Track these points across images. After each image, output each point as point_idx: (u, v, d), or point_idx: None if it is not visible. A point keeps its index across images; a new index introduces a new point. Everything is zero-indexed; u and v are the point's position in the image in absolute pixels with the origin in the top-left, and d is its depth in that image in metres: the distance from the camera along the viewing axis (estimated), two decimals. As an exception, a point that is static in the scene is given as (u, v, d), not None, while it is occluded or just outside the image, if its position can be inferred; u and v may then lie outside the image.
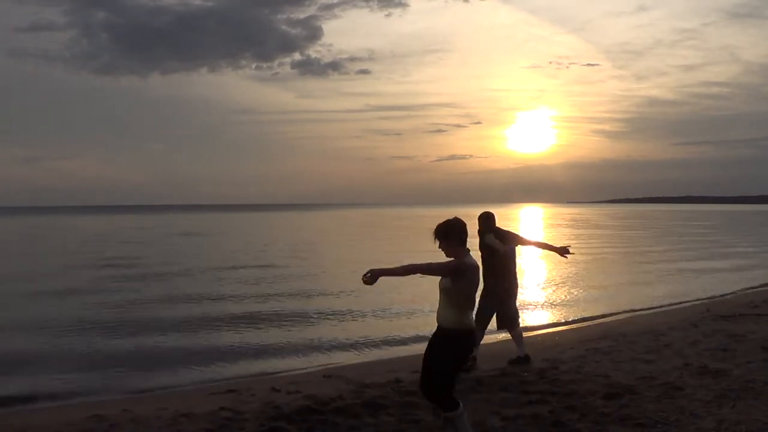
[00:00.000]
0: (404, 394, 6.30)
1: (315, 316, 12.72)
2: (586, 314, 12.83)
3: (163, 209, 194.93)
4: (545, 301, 14.61)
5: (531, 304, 13.91)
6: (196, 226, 62.70)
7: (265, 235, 48.21)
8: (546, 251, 8.15)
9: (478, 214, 7.78)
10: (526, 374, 7.07)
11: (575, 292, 15.96)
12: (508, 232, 7.90)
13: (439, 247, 4.60)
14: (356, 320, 12.17)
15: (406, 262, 4.53)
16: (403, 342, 10.31)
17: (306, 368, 8.73)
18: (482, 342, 8.06)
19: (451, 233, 4.55)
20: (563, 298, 15.14)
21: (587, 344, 8.81)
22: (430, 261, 4.53)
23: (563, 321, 12.31)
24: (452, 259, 4.54)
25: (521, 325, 8.16)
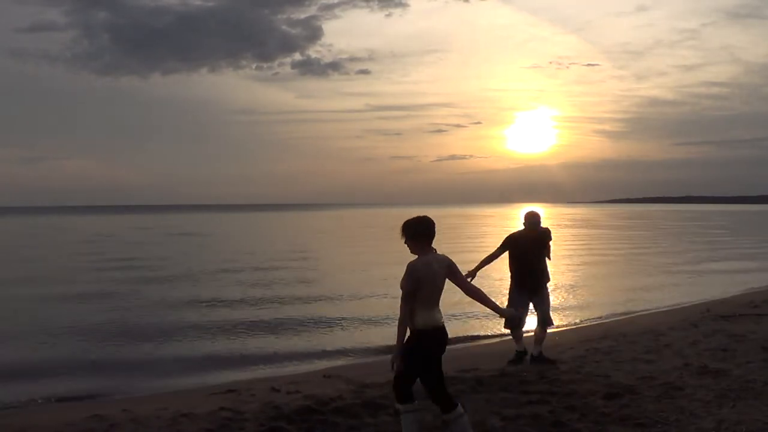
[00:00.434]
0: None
1: (315, 316, 12.71)
2: (586, 314, 12.84)
3: (163, 209, 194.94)
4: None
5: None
6: (197, 227, 62.73)
7: (266, 236, 48.25)
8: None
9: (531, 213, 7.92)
10: (526, 374, 7.06)
11: (575, 293, 15.95)
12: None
13: (405, 243, 4.59)
14: (356, 320, 12.17)
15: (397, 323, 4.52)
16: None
17: (306, 368, 8.73)
18: (482, 342, 8.08)
19: (415, 231, 4.55)
20: (563, 298, 15.14)
21: (587, 344, 8.82)
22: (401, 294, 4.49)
23: (563, 321, 12.31)
24: (414, 258, 4.53)
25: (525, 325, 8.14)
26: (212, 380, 8.21)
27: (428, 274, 4.47)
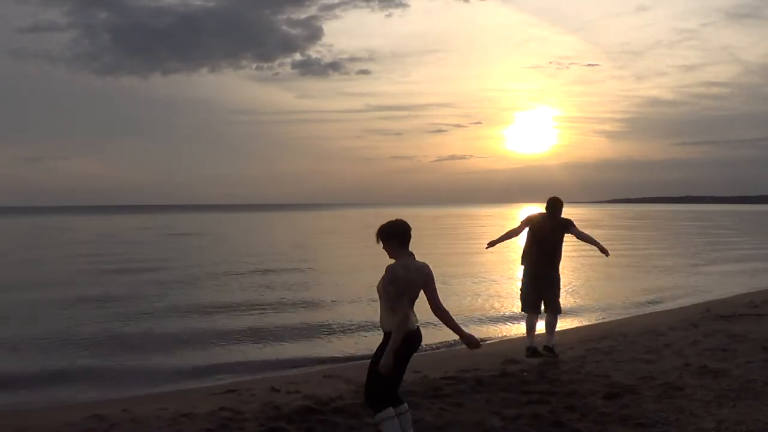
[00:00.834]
0: (404, 394, 6.28)
1: (315, 316, 12.72)
2: (586, 314, 12.84)
3: (163, 209, 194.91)
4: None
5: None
6: (197, 227, 62.70)
7: (266, 237, 48.24)
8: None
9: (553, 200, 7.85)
10: (526, 374, 7.07)
11: (575, 292, 15.94)
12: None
13: (383, 248, 4.59)
14: (356, 321, 12.16)
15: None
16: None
17: (306, 368, 8.73)
18: (483, 342, 8.07)
19: (392, 234, 4.54)
20: (563, 298, 15.11)
21: (587, 344, 8.82)
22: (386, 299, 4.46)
23: (564, 321, 12.30)
24: (392, 262, 4.52)
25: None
26: (212, 380, 8.21)
27: (407, 277, 4.44)
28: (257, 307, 13.87)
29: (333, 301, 13.55)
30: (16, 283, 18.50)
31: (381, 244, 4.59)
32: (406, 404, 4.69)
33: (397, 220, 4.63)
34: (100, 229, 60.10)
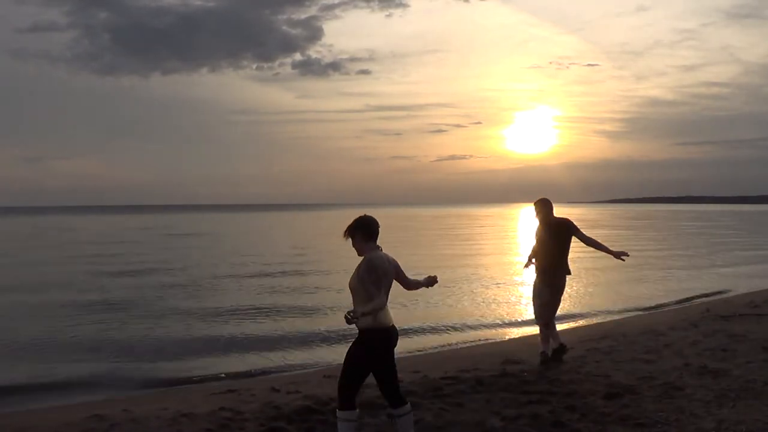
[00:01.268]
0: (404, 394, 6.28)
1: (315, 317, 12.72)
2: (586, 314, 12.83)
3: (163, 209, 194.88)
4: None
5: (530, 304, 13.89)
6: (197, 227, 62.72)
7: (266, 237, 48.24)
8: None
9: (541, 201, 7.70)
10: (526, 374, 7.06)
11: (575, 293, 15.95)
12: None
13: (353, 245, 4.59)
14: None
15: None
16: (402, 341, 10.28)
17: (306, 368, 8.73)
18: (483, 341, 8.07)
19: (357, 227, 4.54)
20: (563, 298, 15.12)
21: (587, 344, 8.81)
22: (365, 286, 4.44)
23: (564, 321, 12.30)
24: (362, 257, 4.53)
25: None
26: (212, 381, 8.21)
27: (384, 267, 4.46)
28: (256, 308, 13.88)
29: (332, 307, 13.56)
30: (16, 285, 18.48)
31: (351, 242, 4.57)
32: (408, 405, 4.63)
33: (364, 215, 4.64)
34: (100, 229, 60.10)
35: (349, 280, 4.51)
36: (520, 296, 15.08)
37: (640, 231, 51.67)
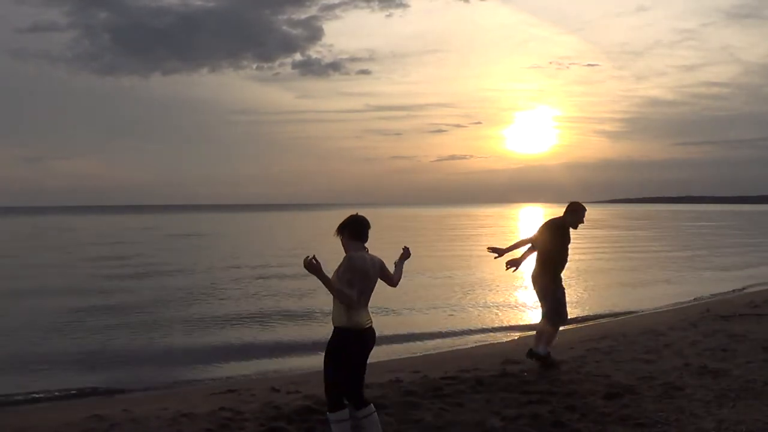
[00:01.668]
0: (404, 394, 6.30)
1: (315, 318, 12.72)
2: (586, 314, 12.84)
3: (163, 209, 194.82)
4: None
5: (530, 304, 13.89)
6: (197, 227, 62.67)
7: (266, 237, 48.23)
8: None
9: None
10: (526, 374, 7.06)
11: (575, 293, 15.95)
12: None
13: (341, 242, 4.63)
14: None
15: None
16: (402, 341, 10.31)
17: (306, 368, 8.72)
18: (482, 342, 8.05)
19: (346, 227, 4.59)
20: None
21: (587, 344, 8.81)
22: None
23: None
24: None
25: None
26: (212, 381, 8.21)
27: (363, 267, 4.49)
28: (257, 309, 13.88)
29: (331, 308, 13.56)
30: (16, 286, 18.48)
31: (340, 239, 4.62)
32: (371, 406, 4.62)
33: (355, 215, 4.67)
34: (100, 229, 60.08)
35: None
36: (521, 297, 15.09)
37: (640, 231, 51.66)
